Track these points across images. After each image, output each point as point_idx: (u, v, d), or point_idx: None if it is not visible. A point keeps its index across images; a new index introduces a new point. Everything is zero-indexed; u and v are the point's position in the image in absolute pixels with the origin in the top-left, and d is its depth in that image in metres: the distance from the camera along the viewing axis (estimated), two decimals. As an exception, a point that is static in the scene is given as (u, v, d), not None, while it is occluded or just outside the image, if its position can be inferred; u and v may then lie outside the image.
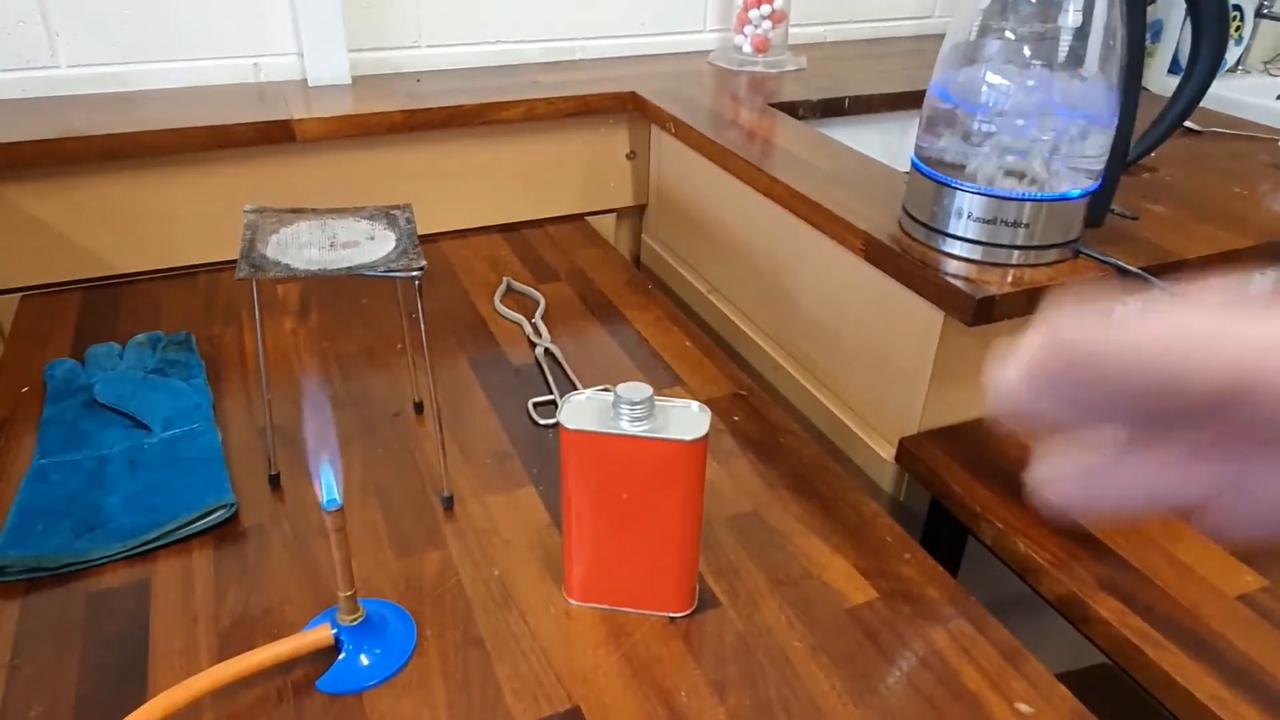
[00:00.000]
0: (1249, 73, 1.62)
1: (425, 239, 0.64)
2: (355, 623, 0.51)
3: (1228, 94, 1.47)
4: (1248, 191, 0.87)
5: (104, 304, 0.91)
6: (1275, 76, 1.64)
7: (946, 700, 0.51)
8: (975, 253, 0.70)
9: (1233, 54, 1.57)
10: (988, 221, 0.69)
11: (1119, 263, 0.70)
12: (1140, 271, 0.70)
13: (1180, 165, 0.93)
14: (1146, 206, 0.82)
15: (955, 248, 0.71)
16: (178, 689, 0.47)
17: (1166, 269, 0.72)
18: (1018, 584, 0.65)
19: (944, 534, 0.77)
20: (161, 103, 1.00)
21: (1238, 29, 1.56)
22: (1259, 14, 1.57)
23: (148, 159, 0.93)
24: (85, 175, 0.91)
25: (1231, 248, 0.76)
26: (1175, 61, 1.57)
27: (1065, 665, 0.58)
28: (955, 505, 0.71)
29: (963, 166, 0.70)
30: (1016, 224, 0.69)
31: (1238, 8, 1.53)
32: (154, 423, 0.70)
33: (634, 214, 1.22)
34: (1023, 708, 0.51)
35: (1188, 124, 1.06)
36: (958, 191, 0.69)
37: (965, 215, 0.70)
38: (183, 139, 0.92)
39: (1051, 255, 0.71)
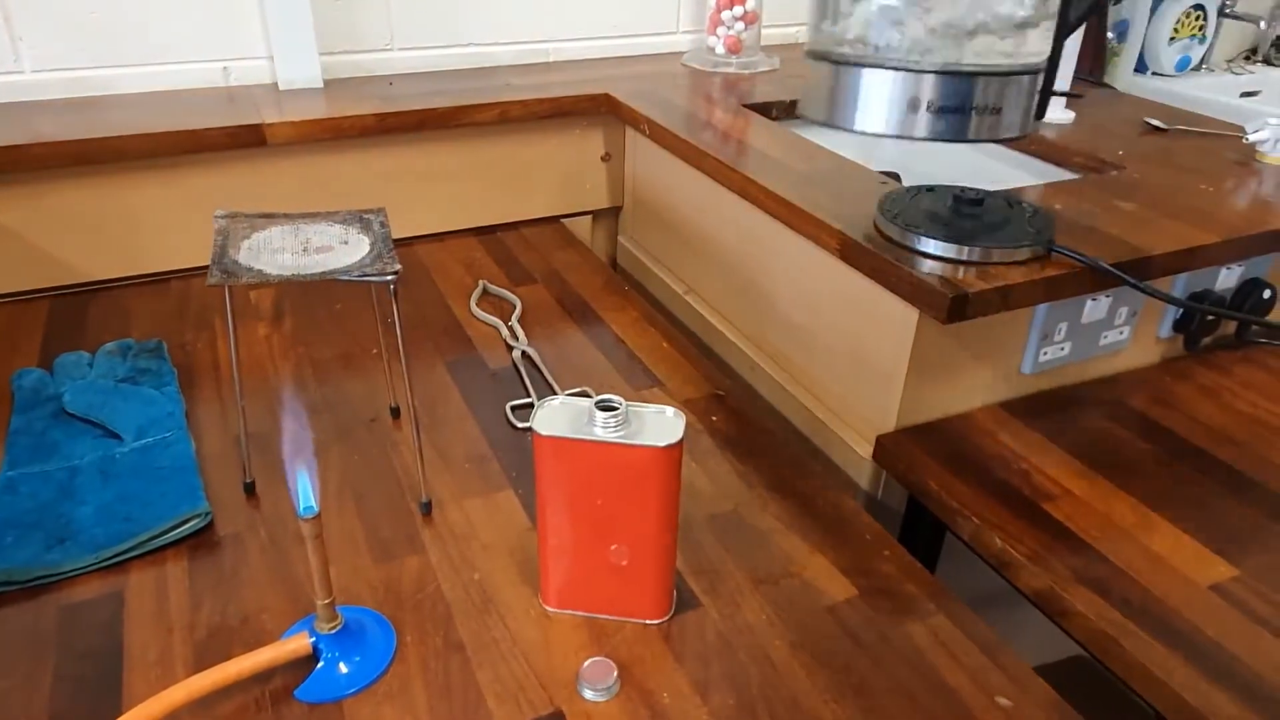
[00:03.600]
0: (1213, 71, 1.65)
1: (399, 243, 0.64)
2: (334, 630, 0.51)
3: (1193, 92, 1.50)
4: (1213, 188, 0.89)
5: (72, 312, 0.89)
6: (1239, 75, 1.67)
7: (927, 694, 0.51)
8: (949, 250, 0.71)
9: (1197, 53, 1.60)
10: (949, 111, 0.64)
11: (1091, 260, 0.71)
12: (1111, 268, 0.71)
13: (1147, 163, 0.95)
14: (1116, 204, 0.83)
15: (929, 246, 0.72)
16: (153, 701, 0.47)
17: (1136, 265, 0.73)
18: (995, 578, 0.66)
19: (922, 530, 0.77)
20: (129, 107, 0.99)
21: (1201, 28, 1.59)
22: (1222, 13, 1.59)
23: (116, 164, 0.91)
24: (52, 181, 0.90)
25: (1198, 243, 0.77)
26: (1141, 60, 1.59)
27: (1043, 658, 0.59)
28: (933, 501, 0.71)
29: (882, 48, 0.65)
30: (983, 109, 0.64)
31: (1200, 7, 1.56)
32: (126, 432, 0.69)
33: (610, 216, 1.22)
34: (1002, 701, 0.51)
35: (1154, 122, 1.08)
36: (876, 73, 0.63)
37: (923, 108, 0.66)
38: (152, 144, 0.91)
39: (1025, 253, 0.71)
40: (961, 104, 0.65)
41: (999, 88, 0.65)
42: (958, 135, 0.66)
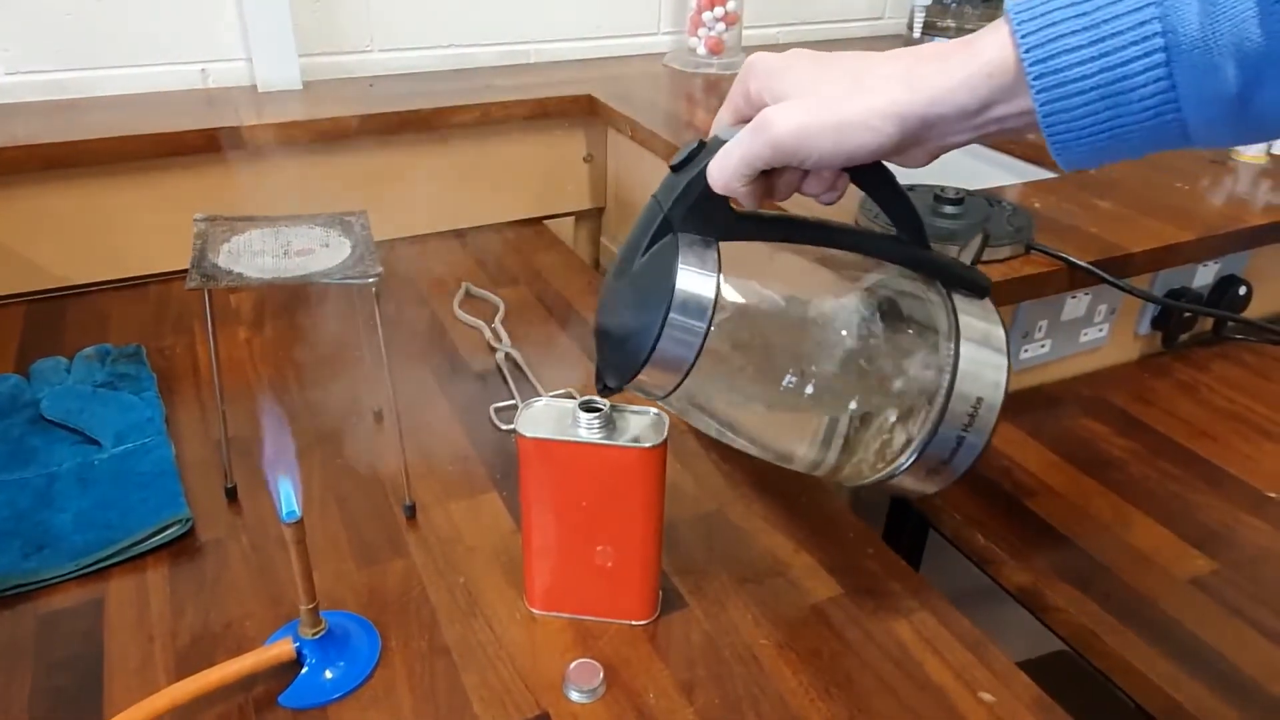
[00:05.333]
0: (1188, 70, 1.66)
1: (381, 244, 0.63)
2: (318, 636, 0.51)
3: (1168, 91, 1.50)
4: (1189, 186, 0.90)
5: (49, 317, 0.88)
6: (1213, 74, 1.68)
7: (912, 691, 0.52)
8: (930, 250, 0.71)
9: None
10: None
11: (1069, 258, 0.72)
12: (1089, 266, 0.72)
13: (1125, 162, 0.96)
14: (1094, 202, 0.84)
15: (910, 245, 0.72)
16: (135, 710, 0.46)
17: (1114, 263, 0.74)
18: (978, 575, 0.66)
19: (905, 528, 0.78)
20: (107, 110, 0.98)
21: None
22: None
23: (93, 168, 0.91)
24: (28, 185, 0.89)
25: (1175, 241, 0.78)
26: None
27: (1025, 653, 0.59)
28: (916, 499, 0.72)
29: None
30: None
31: (1176, 7, 1.57)
32: (104, 438, 0.69)
33: (592, 217, 1.22)
34: (985, 696, 0.51)
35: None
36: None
37: None
38: (129, 147, 0.91)
39: (1005, 251, 0.72)
40: None
41: None
42: None
